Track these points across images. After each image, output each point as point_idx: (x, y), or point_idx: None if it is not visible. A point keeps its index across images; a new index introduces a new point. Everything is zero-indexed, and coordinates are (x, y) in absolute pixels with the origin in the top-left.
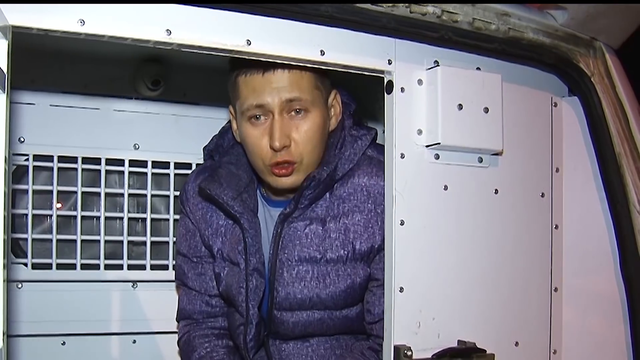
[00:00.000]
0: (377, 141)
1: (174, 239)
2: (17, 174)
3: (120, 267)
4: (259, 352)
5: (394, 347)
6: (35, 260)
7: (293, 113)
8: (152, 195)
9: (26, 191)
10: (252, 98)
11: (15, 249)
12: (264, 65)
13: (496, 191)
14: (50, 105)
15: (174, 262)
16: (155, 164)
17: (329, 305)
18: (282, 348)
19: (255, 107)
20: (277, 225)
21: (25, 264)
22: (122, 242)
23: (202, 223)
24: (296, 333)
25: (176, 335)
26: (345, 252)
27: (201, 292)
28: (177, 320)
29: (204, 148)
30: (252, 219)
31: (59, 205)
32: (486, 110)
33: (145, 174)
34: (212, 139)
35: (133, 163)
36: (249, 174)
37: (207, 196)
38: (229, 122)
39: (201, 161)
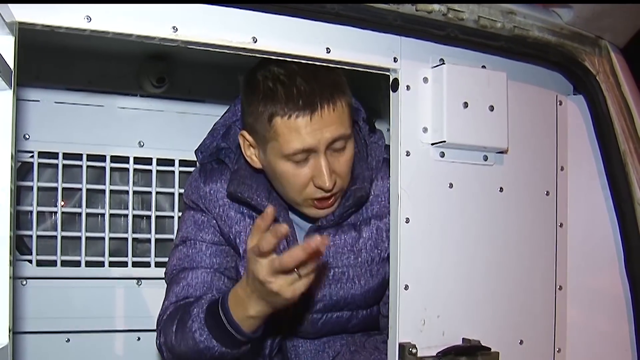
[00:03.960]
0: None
1: None
2: (21, 171)
3: (124, 264)
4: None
5: (399, 344)
6: (40, 257)
7: (336, 148)
8: (157, 193)
9: (31, 188)
10: (297, 142)
11: (20, 245)
12: (308, 104)
13: (501, 189)
14: (55, 102)
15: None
16: (160, 162)
17: (361, 304)
18: (298, 344)
19: (302, 152)
20: (308, 233)
21: (30, 261)
22: (126, 239)
23: (225, 228)
24: (322, 332)
25: None
26: (379, 252)
27: (219, 271)
28: (162, 314)
29: (200, 151)
30: (288, 217)
31: (62, 202)
32: (491, 108)
33: (150, 171)
34: (205, 142)
35: (138, 160)
36: None
37: (238, 200)
38: (221, 122)
39: None
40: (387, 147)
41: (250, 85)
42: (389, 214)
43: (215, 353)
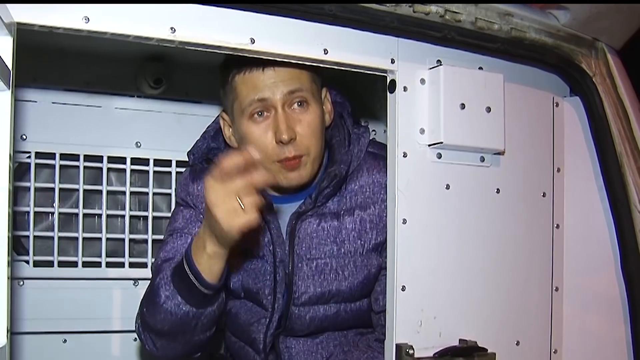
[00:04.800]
0: (376, 140)
1: None
2: (19, 172)
3: (121, 265)
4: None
5: (396, 345)
6: (37, 258)
7: (295, 106)
8: (154, 194)
9: (28, 189)
10: (252, 94)
11: (17, 246)
12: (262, 61)
13: (498, 190)
14: (52, 102)
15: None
16: (157, 162)
17: (347, 297)
18: (291, 345)
19: (256, 102)
20: (290, 221)
21: (27, 262)
22: (123, 240)
23: None
24: (311, 329)
25: None
26: (362, 243)
27: None
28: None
29: (192, 153)
30: (272, 211)
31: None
32: (488, 109)
33: (147, 172)
34: (197, 144)
35: (135, 161)
36: None
37: None
38: (213, 125)
39: None
40: (374, 141)
41: (221, 64)
42: (373, 206)
43: (179, 316)
